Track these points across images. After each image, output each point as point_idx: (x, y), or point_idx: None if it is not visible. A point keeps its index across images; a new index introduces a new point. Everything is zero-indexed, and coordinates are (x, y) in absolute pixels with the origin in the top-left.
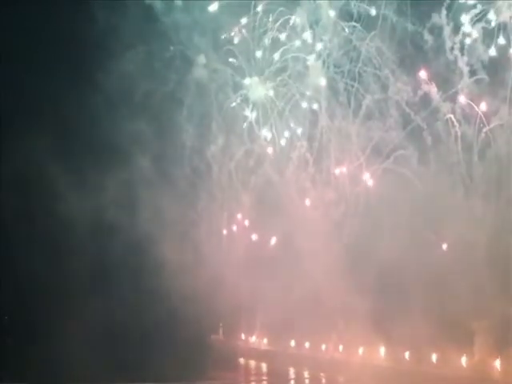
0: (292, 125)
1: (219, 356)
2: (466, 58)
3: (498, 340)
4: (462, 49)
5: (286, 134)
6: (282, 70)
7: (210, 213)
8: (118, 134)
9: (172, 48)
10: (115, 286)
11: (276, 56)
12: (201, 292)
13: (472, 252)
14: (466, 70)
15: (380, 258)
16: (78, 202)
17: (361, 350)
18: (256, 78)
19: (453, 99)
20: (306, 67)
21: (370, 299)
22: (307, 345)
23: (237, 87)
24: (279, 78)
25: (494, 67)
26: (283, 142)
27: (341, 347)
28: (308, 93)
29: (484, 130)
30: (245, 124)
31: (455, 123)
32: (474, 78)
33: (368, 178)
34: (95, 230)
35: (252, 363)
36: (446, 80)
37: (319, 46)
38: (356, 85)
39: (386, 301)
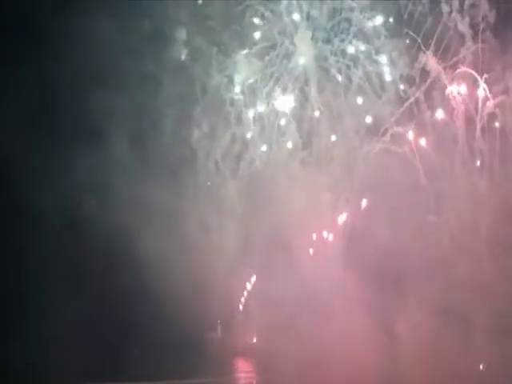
0: (281, 106)
1: (214, 354)
2: (467, 20)
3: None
4: (461, 10)
5: (275, 115)
6: (271, 48)
7: (197, 202)
8: (87, 114)
9: (147, 22)
10: (93, 284)
11: (260, 34)
12: (194, 289)
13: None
14: (468, 33)
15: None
16: (45, 189)
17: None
18: (242, 56)
19: (453, 68)
20: (294, 45)
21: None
22: (307, 341)
23: (222, 67)
24: (267, 58)
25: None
26: (272, 124)
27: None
28: (297, 72)
29: (488, 102)
30: (230, 106)
31: (456, 95)
32: (477, 45)
33: (363, 159)
34: (68, 222)
35: (249, 361)
36: (446, 48)
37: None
38: (346, 61)
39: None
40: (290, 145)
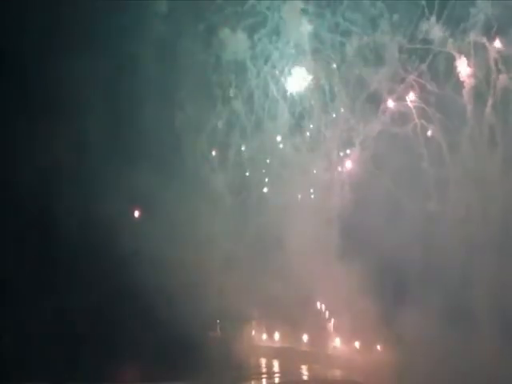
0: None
1: (214, 354)
2: None
3: None
4: None
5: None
6: (261, 24)
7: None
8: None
9: None
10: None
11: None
12: (194, 289)
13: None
14: None
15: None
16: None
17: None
18: (229, 32)
19: (462, 38)
20: (284, 20)
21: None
22: (308, 341)
23: (208, 44)
24: (256, 35)
25: None
26: (263, 107)
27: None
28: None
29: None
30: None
31: (465, 68)
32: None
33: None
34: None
35: (249, 361)
36: (451, 16)
37: None
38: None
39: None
40: (282, 127)
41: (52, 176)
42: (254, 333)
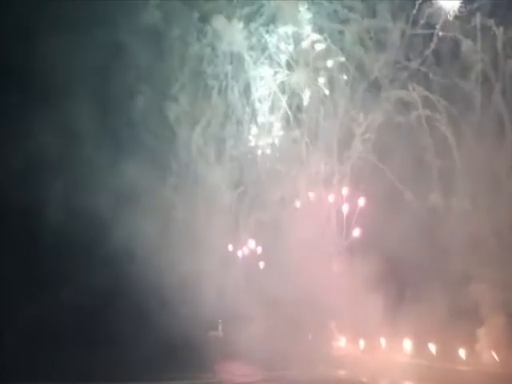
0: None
1: (216, 354)
2: None
3: None
4: None
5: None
6: (257, 13)
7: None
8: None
9: None
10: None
11: None
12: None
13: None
14: None
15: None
16: None
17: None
18: (224, 21)
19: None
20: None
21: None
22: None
23: (202, 35)
24: (253, 25)
25: None
26: (259, 99)
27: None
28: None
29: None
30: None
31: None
32: None
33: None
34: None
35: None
36: None
37: None
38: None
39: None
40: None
41: (37, 166)
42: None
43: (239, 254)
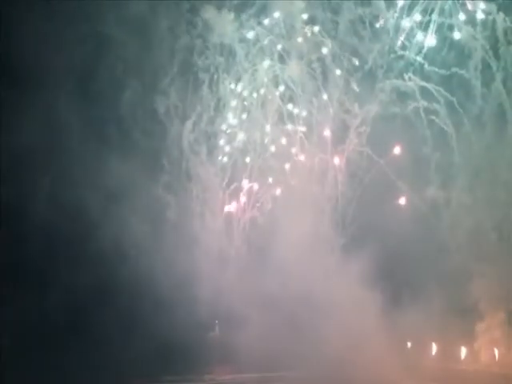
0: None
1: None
2: None
3: None
4: None
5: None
6: (247, 3)
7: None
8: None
9: None
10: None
11: None
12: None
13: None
14: None
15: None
16: None
17: None
18: (214, 11)
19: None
20: None
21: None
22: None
23: (192, 26)
24: (244, 16)
25: None
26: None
27: None
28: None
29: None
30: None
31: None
32: None
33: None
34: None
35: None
36: None
37: None
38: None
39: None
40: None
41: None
42: None
43: (234, 251)
